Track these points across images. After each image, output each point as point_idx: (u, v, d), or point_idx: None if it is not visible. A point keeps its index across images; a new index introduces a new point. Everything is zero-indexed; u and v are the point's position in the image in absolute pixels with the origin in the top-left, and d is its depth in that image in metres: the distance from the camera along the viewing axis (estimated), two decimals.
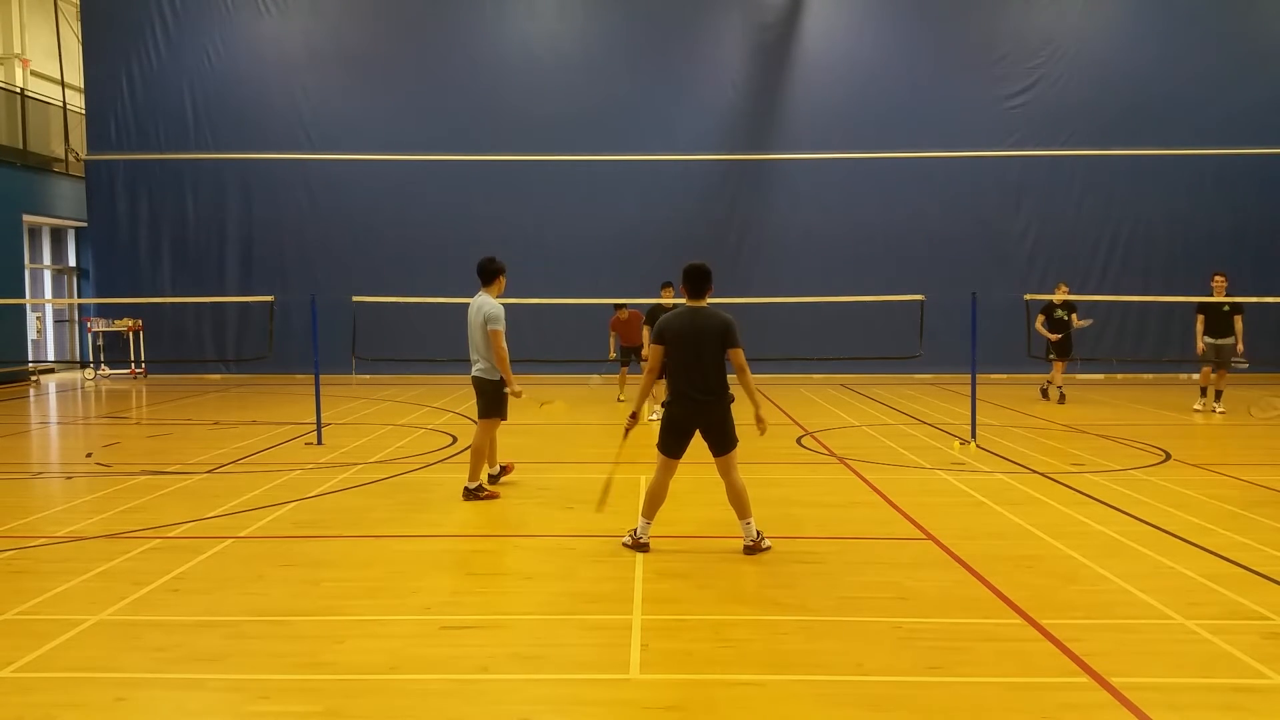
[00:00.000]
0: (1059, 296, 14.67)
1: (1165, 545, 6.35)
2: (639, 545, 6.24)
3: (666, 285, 13.05)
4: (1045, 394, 15.47)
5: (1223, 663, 4.37)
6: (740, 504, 6.21)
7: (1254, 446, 11.16)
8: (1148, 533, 6.69)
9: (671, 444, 6.20)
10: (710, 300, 6.26)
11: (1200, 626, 4.80)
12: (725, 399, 6.11)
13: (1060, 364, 14.96)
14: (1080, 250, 20.15)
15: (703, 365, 6.00)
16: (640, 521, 6.30)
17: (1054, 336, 14.68)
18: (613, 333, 15.13)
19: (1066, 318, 14.71)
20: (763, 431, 6.21)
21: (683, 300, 6.24)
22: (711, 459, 6.21)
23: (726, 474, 6.18)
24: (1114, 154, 20.02)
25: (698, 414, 6.06)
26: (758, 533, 6.24)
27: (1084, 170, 20.13)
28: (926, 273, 18.87)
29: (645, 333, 14.04)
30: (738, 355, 6.09)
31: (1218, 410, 13.51)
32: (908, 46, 20.25)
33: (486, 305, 7.93)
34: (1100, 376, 19.53)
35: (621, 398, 15.29)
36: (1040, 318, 14.81)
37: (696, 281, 6.12)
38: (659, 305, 13.22)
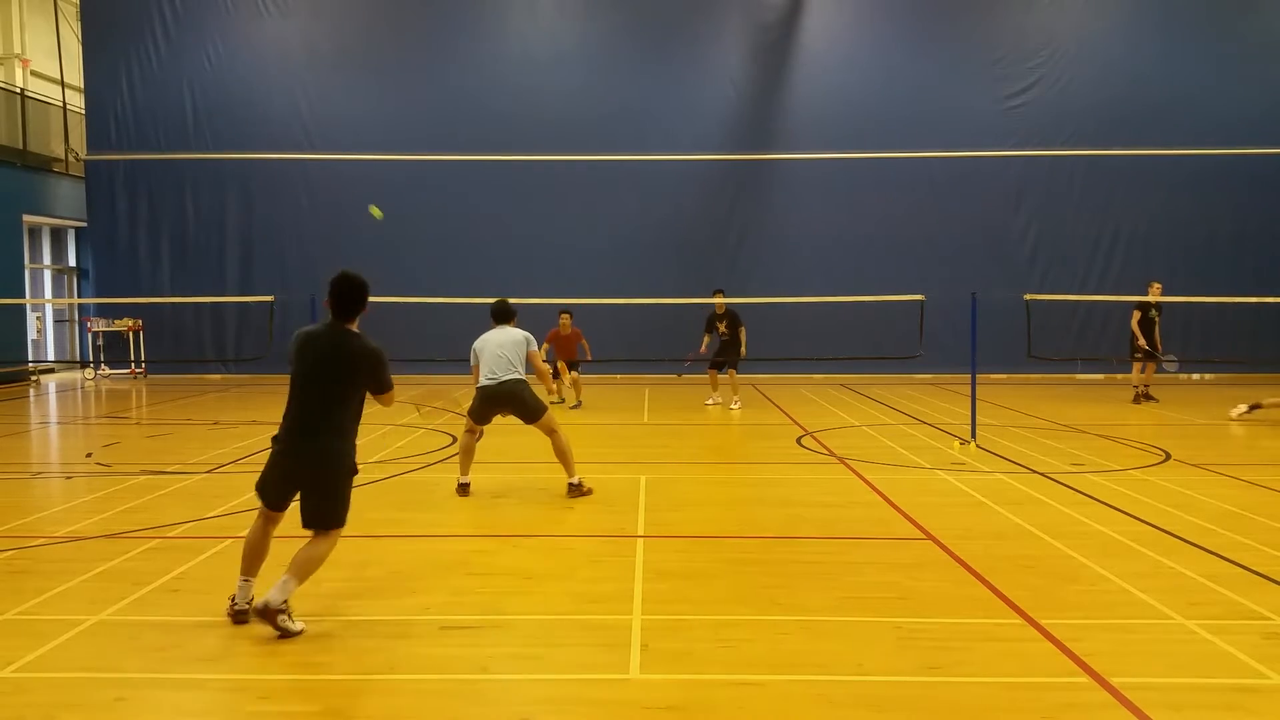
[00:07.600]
0: (1153, 297, 14.82)
1: (1165, 545, 6.35)
2: (238, 615, 4.86)
3: (718, 291, 14.81)
4: (1150, 397, 15.28)
5: (1223, 663, 4.37)
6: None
7: (1254, 446, 11.16)
8: (1148, 533, 6.69)
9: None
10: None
11: (1200, 626, 4.80)
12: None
13: (1147, 365, 15.20)
14: (1080, 250, 20.15)
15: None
16: (240, 581, 5.00)
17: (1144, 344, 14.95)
18: (547, 344, 14.37)
19: (1156, 318, 14.94)
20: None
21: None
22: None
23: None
24: (1114, 154, 20.02)
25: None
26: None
27: (1084, 170, 20.12)
28: (926, 273, 18.85)
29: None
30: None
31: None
32: (908, 46, 20.24)
33: (521, 331, 8.28)
34: (1100, 376, 19.54)
35: (561, 399, 14.80)
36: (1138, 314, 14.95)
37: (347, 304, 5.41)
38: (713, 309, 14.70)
